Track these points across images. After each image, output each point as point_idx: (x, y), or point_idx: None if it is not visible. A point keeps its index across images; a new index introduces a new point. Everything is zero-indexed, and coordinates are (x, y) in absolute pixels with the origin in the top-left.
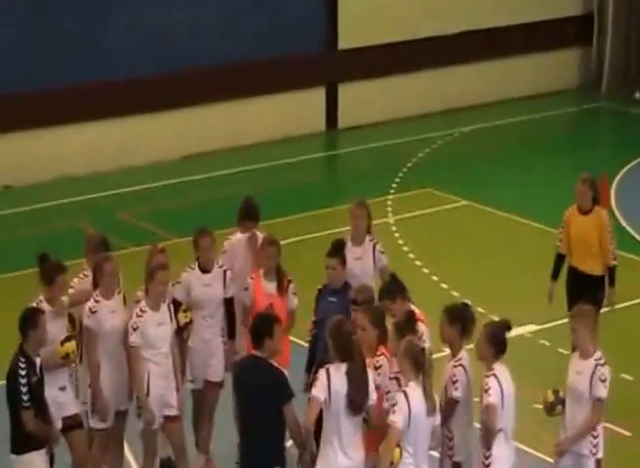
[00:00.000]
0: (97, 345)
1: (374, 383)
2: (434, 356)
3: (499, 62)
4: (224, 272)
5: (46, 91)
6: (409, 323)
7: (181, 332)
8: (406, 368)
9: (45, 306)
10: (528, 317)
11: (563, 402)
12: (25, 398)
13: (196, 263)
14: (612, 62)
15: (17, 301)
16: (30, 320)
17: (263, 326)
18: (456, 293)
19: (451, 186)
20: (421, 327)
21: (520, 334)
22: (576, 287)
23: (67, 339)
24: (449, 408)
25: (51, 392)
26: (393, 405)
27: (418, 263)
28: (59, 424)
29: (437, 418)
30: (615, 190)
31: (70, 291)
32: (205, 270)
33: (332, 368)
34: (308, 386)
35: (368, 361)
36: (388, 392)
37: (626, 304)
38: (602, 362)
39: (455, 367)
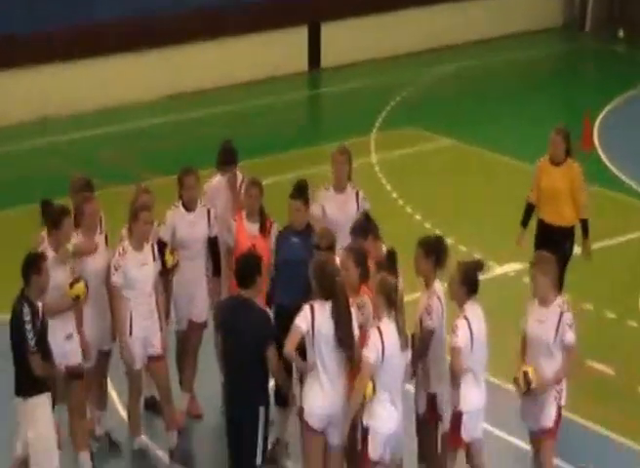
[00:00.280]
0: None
1: (357, 322)
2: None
3: (482, 2)
4: (208, 211)
5: (25, 32)
6: (390, 261)
7: (168, 274)
8: (379, 304)
9: (49, 252)
10: (511, 256)
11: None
12: (32, 343)
13: (180, 202)
14: (595, 1)
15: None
16: (34, 265)
17: (248, 267)
18: (439, 232)
19: (435, 125)
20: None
21: (504, 273)
22: (543, 239)
23: (76, 281)
24: (425, 339)
25: (56, 340)
26: (367, 340)
27: (400, 203)
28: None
29: (408, 354)
30: (598, 128)
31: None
32: (189, 209)
33: (316, 304)
34: None
35: (351, 300)
36: None
37: (610, 243)
38: (566, 307)
39: (429, 297)
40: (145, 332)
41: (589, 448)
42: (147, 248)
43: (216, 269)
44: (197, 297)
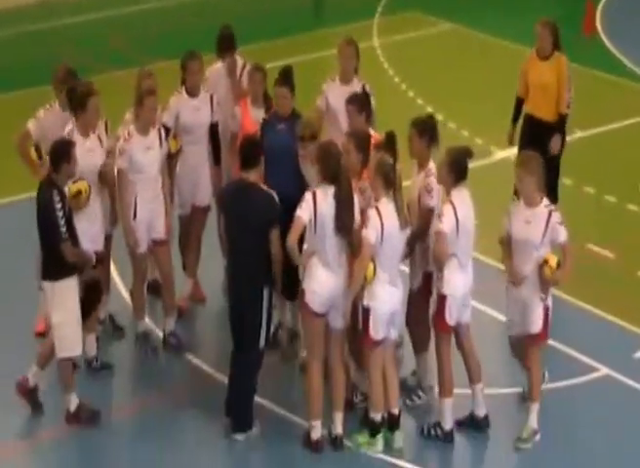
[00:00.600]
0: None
1: (358, 207)
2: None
3: None
4: (211, 96)
5: None
6: (389, 143)
7: (171, 160)
8: (377, 184)
9: (77, 136)
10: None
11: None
12: (63, 230)
13: (183, 88)
14: None
15: None
16: (65, 152)
17: (252, 149)
18: (441, 116)
19: (437, 10)
20: None
21: (506, 157)
22: (530, 134)
23: (80, 178)
24: (425, 217)
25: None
26: (366, 220)
27: (403, 87)
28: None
29: (406, 232)
30: (600, 12)
31: (35, 121)
32: (192, 95)
33: (318, 190)
34: None
35: (353, 185)
36: None
37: (611, 127)
38: (553, 207)
39: (427, 176)
40: (150, 216)
41: (587, 331)
42: (154, 132)
43: (216, 157)
44: (201, 182)
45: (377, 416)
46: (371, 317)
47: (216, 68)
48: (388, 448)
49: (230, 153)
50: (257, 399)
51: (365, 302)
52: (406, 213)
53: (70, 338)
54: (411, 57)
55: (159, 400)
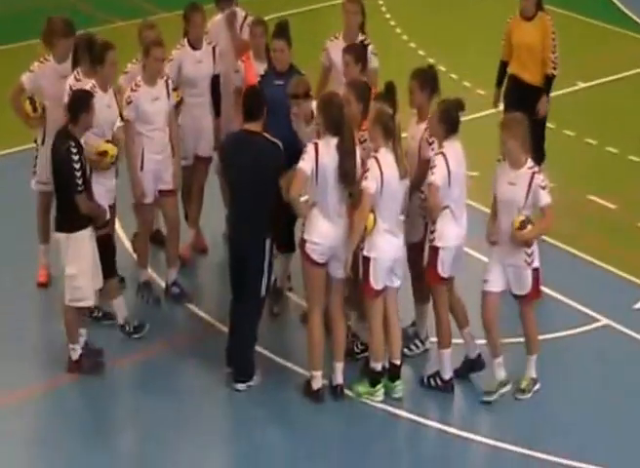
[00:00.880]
0: None
1: (359, 158)
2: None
3: None
4: (213, 48)
5: None
6: (389, 94)
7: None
8: (376, 135)
9: (97, 90)
10: None
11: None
12: (80, 182)
13: (185, 40)
14: None
15: None
16: (85, 102)
17: (255, 99)
18: (443, 68)
19: None
20: None
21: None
22: (515, 95)
23: (112, 142)
24: (425, 168)
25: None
26: (365, 171)
27: (405, 38)
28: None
29: (406, 182)
30: None
31: (29, 74)
32: (195, 47)
33: (320, 142)
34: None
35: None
36: None
37: (613, 78)
38: (537, 169)
39: (427, 129)
40: (157, 167)
41: (587, 282)
42: (161, 83)
43: (216, 109)
44: (203, 133)
45: (377, 366)
46: (371, 266)
47: (216, 20)
48: (388, 397)
49: (235, 107)
50: (257, 348)
51: (365, 252)
52: (405, 162)
53: (82, 290)
54: (413, 8)
55: (161, 349)
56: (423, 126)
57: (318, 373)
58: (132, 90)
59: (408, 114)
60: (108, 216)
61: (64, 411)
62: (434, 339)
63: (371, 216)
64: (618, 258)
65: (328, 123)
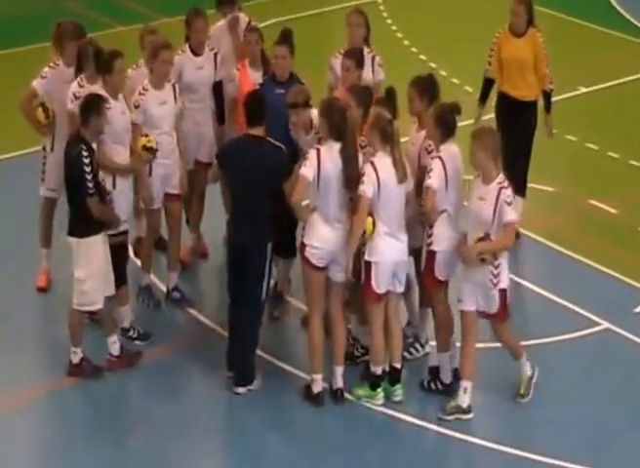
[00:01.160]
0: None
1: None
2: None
3: None
4: (215, 55)
5: None
6: (389, 99)
7: None
8: (374, 139)
9: (109, 100)
10: None
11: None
12: (90, 185)
13: (187, 45)
14: None
15: None
16: (95, 106)
17: (257, 103)
18: (444, 73)
19: None
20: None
21: None
22: (506, 113)
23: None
24: (424, 174)
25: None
26: (362, 175)
27: (406, 43)
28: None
29: (410, 185)
30: None
31: (41, 80)
32: (196, 53)
33: (323, 148)
34: None
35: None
36: None
37: (614, 83)
38: (505, 184)
39: (427, 137)
40: (165, 172)
41: (588, 286)
42: (168, 87)
43: (219, 116)
44: (205, 138)
45: (377, 370)
46: (372, 271)
47: (219, 26)
48: (389, 401)
49: (230, 117)
50: (258, 352)
51: (366, 257)
52: (407, 166)
53: (89, 294)
54: (414, 12)
55: (161, 353)
56: (423, 133)
57: (318, 377)
58: (139, 93)
59: (409, 120)
60: (121, 223)
61: (64, 415)
62: (434, 343)
63: (369, 220)
64: (618, 262)
65: (330, 128)
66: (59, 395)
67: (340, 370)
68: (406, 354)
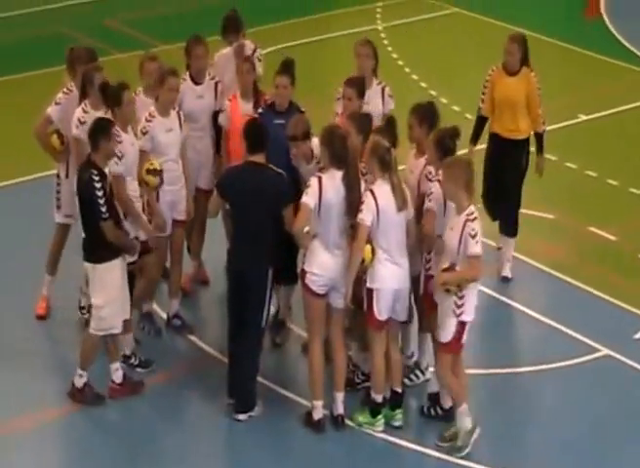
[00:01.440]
0: (84, 156)
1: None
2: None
3: None
4: (216, 84)
5: None
6: (389, 127)
7: None
8: (373, 166)
9: (119, 132)
10: None
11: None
12: (104, 209)
13: (187, 73)
14: None
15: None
16: (104, 130)
17: (257, 131)
18: (445, 100)
19: None
20: None
21: None
22: (497, 153)
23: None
24: (423, 201)
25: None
26: (361, 203)
27: (407, 70)
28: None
29: (410, 213)
30: None
31: (56, 107)
32: (197, 82)
33: (324, 176)
34: None
35: None
36: None
37: (613, 111)
38: (472, 217)
39: (429, 164)
40: (172, 198)
41: (588, 312)
42: (174, 114)
43: (218, 145)
44: (205, 166)
45: (378, 397)
46: (374, 297)
47: (224, 53)
48: (389, 426)
49: (223, 148)
50: (258, 379)
51: (368, 284)
52: (406, 193)
53: (108, 320)
54: (415, 40)
55: (162, 380)
56: (422, 160)
57: (319, 403)
58: (146, 120)
59: (408, 148)
60: (137, 250)
61: (64, 441)
62: (433, 369)
63: (368, 248)
64: (618, 289)
65: (332, 156)
66: (59, 422)
67: (340, 396)
68: (406, 380)
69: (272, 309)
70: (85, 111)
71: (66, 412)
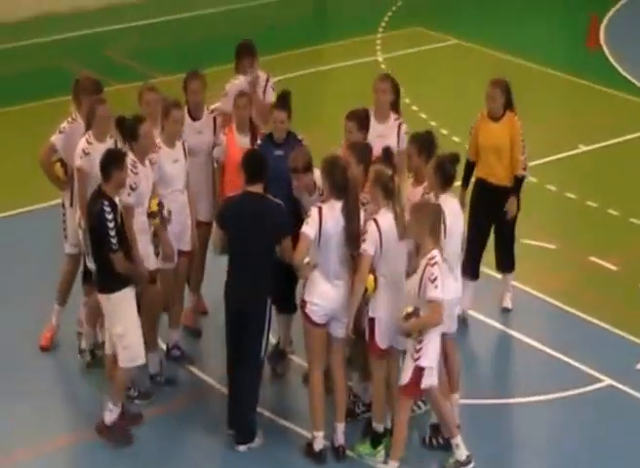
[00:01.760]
0: (87, 186)
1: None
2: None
3: None
4: (214, 119)
5: None
6: (387, 157)
7: None
8: (376, 195)
9: (137, 165)
10: None
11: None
12: (114, 241)
13: (185, 108)
14: None
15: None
16: (117, 159)
17: (256, 161)
18: (445, 131)
19: (440, 25)
20: None
21: None
22: (483, 199)
23: (153, 216)
24: None
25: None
26: (364, 233)
27: (407, 101)
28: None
29: (410, 243)
30: (605, 25)
31: (60, 135)
32: (195, 117)
33: (324, 206)
34: None
35: None
36: None
37: (613, 141)
38: (433, 262)
39: (427, 192)
40: (179, 229)
41: (589, 342)
42: (179, 145)
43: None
44: (203, 198)
45: (379, 427)
46: (376, 326)
47: (237, 83)
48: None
49: (219, 182)
50: (259, 409)
51: (370, 313)
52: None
53: (133, 348)
54: (414, 71)
55: (162, 411)
56: (420, 189)
57: (320, 434)
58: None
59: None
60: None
61: None
62: None
63: (371, 278)
64: (619, 319)
65: (332, 187)
66: (59, 454)
67: (341, 426)
68: None
69: (272, 340)
70: (89, 142)
71: (62, 444)
